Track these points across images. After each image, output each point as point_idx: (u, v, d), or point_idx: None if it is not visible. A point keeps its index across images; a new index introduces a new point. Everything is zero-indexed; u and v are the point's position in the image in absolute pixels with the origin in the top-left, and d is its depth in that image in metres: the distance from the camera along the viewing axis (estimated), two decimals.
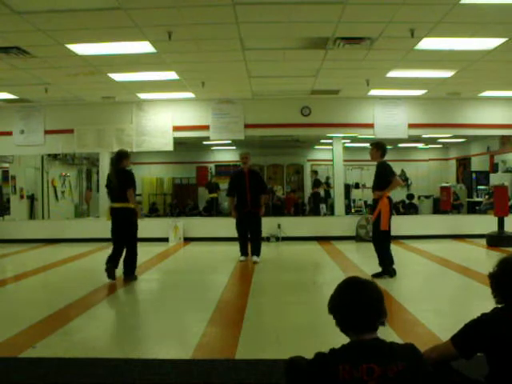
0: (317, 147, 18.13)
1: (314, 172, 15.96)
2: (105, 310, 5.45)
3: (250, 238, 8.11)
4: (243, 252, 8.09)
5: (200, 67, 8.13)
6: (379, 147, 6.62)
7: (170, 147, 10.97)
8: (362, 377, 1.82)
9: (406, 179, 18.92)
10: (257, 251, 8.03)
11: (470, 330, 2.16)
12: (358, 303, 1.95)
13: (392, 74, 8.60)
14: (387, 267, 6.47)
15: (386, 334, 4.16)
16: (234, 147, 17.46)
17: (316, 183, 15.07)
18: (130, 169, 6.92)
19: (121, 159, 6.70)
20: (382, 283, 6.18)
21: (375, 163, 6.80)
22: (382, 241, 6.51)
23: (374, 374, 1.83)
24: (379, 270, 6.53)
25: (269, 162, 18.73)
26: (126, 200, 6.57)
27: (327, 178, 16.60)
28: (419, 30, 6.24)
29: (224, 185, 18.00)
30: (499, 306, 2.19)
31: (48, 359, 3.54)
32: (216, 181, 18.43)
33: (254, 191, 7.91)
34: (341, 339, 2.01)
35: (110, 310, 5.50)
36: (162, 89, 9.75)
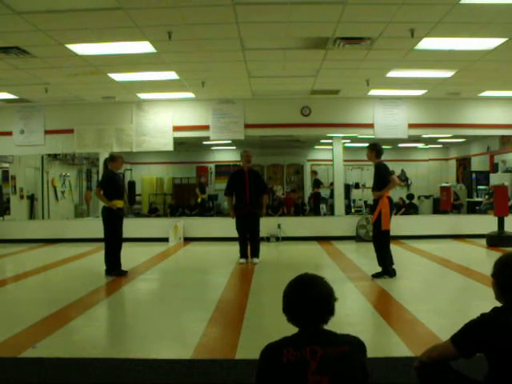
0: (317, 147, 18.14)
1: (314, 172, 15.97)
2: (105, 310, 5.45)
3: (248, 239, 8.05)
4: (243, 254, 7.97)
5: (200, 67, 8.13)
6: (373, 148, 6.65)
7: (170, 147, 10.97)
8: (305, 357, 1.93)
9: (406, 179, 18.94)
10: (256, 252, 7.98)
11: (470, 330, 2.17)
12: (300, 303, 2.03)
13: (392, 73, 8.60)
14: (387, 267, 6.48)
15: (387, 334, 4.18)
16: (234, 147, 17.46)
17: (316, 183, 15.07)
18: (117, 172, 7.19)
19: (109, 164, 7.05)
20: (382, 283, 6.19)
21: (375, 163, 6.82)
22: (382, 240, 6.52)
23: (317, 354, 1.93)
24: (379, 269, 6.54)
25: (269, 162, 18.75)
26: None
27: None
28: (419, 30, 6.24)
29: (223, 185, 18.05)
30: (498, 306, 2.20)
31: (48, 359, 3.54)
32: (216, 181, 18.46)
33: (253, 191, 7.87)
34: None
35: (109, 310, 5.50)
36: (162, 89, 9.75)
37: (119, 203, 6.92)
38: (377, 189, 6.56)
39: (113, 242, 6.87)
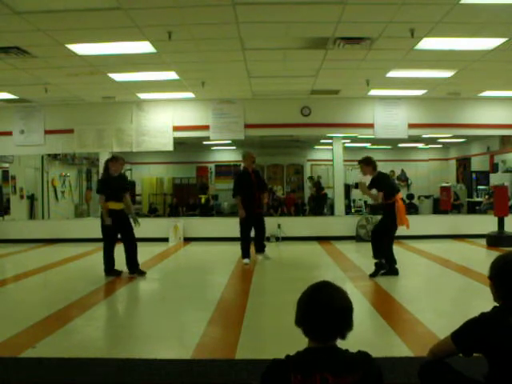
0: (317, 147, 18.14)
1: (311, 178, 16.18)
2: (105, 310, 5.45)
3: (255, 237, 8.19)
4: (247, 254, 7.97)
5: (200, 67, 8.12)
6: (369, 163, 6.69)
7: (170, 147, 10.97)
8: None
9: (406, 179, 18.95)
10: (262, 247, 8.29)
11: (469, 328, 2.17)
12: (320, 314, 1.88)
13: (392, 74, 8.60)
14: (381, 261, 6.56)
15: (387, 334, 4.18)
16: (234, 147, 17.48)
17: (320, 186, 15.08)
18: (116, 174, 6.96)
19: (109, 165, 6.93)
20: (382, 283, 6.19)
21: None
22: (382, 235, 6.61)
23: (328, 383, 1.79)
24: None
25: (269, 162, 18.75)
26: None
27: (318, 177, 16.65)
28: (419, 30, 6.24)
29: (223, 185, 18.09)
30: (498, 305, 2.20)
31: (48, 359, 3.54)
32: (216, 181, 18.50)
33: (259, 191, 8.10)
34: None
35: (109, 310, 5.50)
36: (162, 89, 9.75)
37: (114, 205, 6.83)
38: (386, 196, 6.58)
39: (107, 242, 6.86)
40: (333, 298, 1.91)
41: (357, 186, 16.37)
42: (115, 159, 6.98)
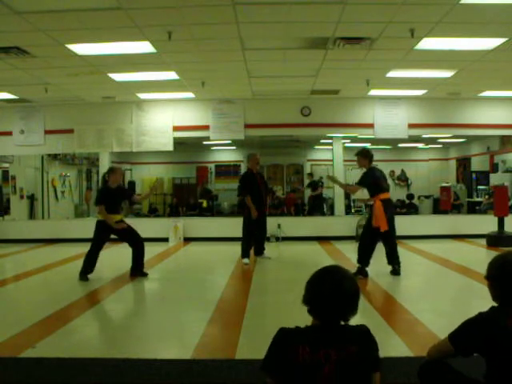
0: (317, 147, 18.13)
1: (310, 175, 16.05)
2: (104, 310, 5.45)
3: (256, 239, 8.21)
4: (247, 254, 7.98)
5: (200, 67, 8.13)
6: (367, 155, 6.65)
7: (170, 147, 10.97)
8: (320, 360, 1.94)
9: (405, 179, 18.96)
10: (262, 251, 8.36)
11: (466, 329, 2.18)
12: (329, 295, 1.98)
13: (392, 73, 8.60)
14: (364, 267, 6.51)
15: (387, 334, 4.18)
16: (234, 147, 17.48)
17: (314, 185, 15.03)
18: (115, 186, 6.84)
19: (108, 177, 6.84)
20: (382, 283, 6.18)
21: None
22: (368, 238, 6.58)
23: (330, 358, 1.94)
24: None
25: (269, 162, 18.74)
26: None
27: (321, 178, 16.58)
28: (419, 30, 6.24)
29: (223, 185, 18.09)
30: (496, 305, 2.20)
31: (48, 359, 3.54)
32: (215, 181, 18.51)
33: (264, 192, 8.24)
34: None
35: (109, 310, 5.49)
36: (162, 89, 9.75)
37: (115, 217, 6.78)
38: (369, 193, 6.56)
39: (93, 249, 6.76)
40: (343, 280, 2.01)
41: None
42: (112, 170, 6.93)
